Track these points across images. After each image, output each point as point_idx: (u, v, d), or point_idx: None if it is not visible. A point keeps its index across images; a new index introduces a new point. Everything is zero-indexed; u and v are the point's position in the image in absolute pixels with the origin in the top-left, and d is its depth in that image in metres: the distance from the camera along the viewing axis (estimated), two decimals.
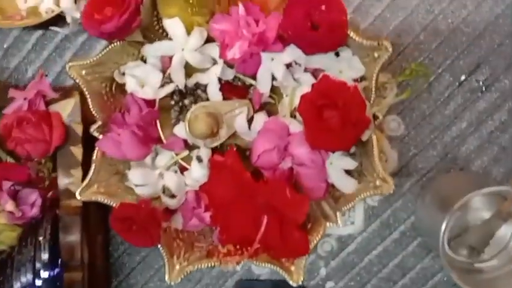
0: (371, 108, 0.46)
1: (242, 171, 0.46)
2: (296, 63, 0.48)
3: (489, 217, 0.47)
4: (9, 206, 0.53)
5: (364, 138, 0.46)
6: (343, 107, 0.43)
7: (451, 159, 0.53)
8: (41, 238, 0.47)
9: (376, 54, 0.44)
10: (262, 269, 0.57)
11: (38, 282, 0.45)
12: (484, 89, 0.52)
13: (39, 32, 0.57)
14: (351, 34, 0.44)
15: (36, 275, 0.45)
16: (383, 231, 0.55)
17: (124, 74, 0.50)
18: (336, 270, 0.56)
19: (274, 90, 0.50)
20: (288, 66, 0.48)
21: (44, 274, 0.46)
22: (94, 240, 0.56)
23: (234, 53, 0.46)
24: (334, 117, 0.44)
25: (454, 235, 0.50)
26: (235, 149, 0.48)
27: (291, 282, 0.47)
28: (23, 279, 0.45)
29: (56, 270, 0.52)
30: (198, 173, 0.50)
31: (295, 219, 0.46)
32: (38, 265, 0.46)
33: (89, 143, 0.50)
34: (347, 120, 0.43)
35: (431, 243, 0.52)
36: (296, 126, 0.48)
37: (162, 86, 0.49)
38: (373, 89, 0.45)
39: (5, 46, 0.57)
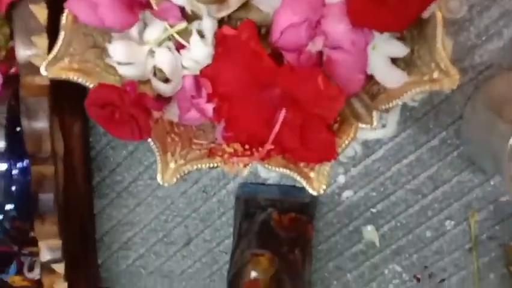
0: None
1: (260, 51, 0.35)
2: None
3: None
4: None
5: (425, 14, 0.34)
6: None
7: None
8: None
9: None
10: (270, 172, 0.49)
11: None
12: None
13: None
14: None
15: None
16: (420, 137, 0.46)
17: None
18: (357, 179, 0.48)
19: None
20: None
21: (1, 166, 0.37)
22: (70, 129, 0.47)
23: None
24: None
25: None
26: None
27: (310, 191, 0.38)
28: None
29: (26, 162, 0.44)
30: (198, 52, 0.38)
31: (325, 116, 0.36)
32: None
33: (57, 2, 0.38)
34: None
35: (477, 153, 0.43)
36: None
37: None
38: None
39: None
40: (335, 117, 0.37)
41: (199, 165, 0.41)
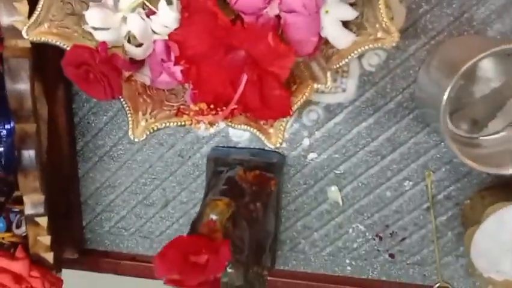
0: None
1: (215, 9, 0.38)
2: None
3: (499, 85, 0.41)
4: None
5: None
6: None
7: (467, 20, 0.45)
8: None
9: None
10: (241, 136, 0.52)
11: None
12: None
13: None
14: None
15: None
16: (378, 100, 0.49)
17: None
18: (321, 141, 0.51)
19: None
20: None
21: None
22: (54, 94, 0.50)
23: None
24: None
25: (456, 108, 0.45)
26: None
27: (268, 145, 0.42)
28: None
29: (13, 123, 0.47)
30: (166, 17, 0.42)
31: (278, 74, 0.39)
32: None
33: None
34: None
35: (430, 115, 0.46)
36: None
37: None
38: None
39: None
40: (288, 76, 0.40)
41: (168, 124, 0.44)
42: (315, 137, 0.51)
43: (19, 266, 0.47)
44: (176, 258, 0.34)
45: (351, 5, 0.41)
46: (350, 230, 0.54)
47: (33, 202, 0.46)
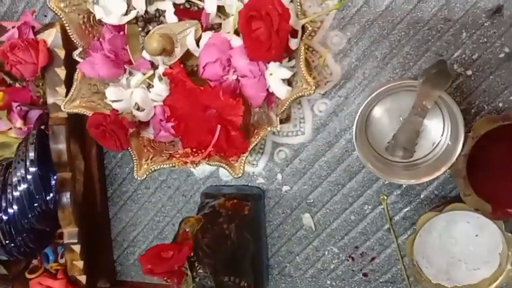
0: (298, 20, 0.51)
1: (184, 78, 0.53)
2: None
3: (407, 116, 0.50)
4: (19, 123, 0.65)
5: (293, 46, 0.51)
6: (265, 18, 0.48)
7: (391, 67, 0.56)
8: (30, 141, 0.58)
9: None
10: (228, 176, 0.65)
11: (29, 176, 0.57)
12: (417, 2, 0.54)
13: None
14: None
15: (27, 170, 0.57)
16: (330, 139, 0.60)
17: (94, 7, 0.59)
18: (291, 176, 0.62)
19: (222, 11, 0.56)
20: None
21: (32, 169, 0.57)
22: (89, 152, 0.67)
23: None
24: (260, 27, 0.50)
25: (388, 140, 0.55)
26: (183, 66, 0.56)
27: (233, 175, 0.54)
28: (18, 173, 0.57)
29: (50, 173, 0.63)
30: (159, 88, 0.58)
31: (233, 120, 0.53)
32: (28, 162, 0.57)
33: (72, 65, 0.60)
34: (271, 29, 0.49)
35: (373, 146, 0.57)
36: (237, 41, 0.54)
37: (126, 14, 0.58)
38: (299, 1, 0.50)
39: None
40: (250, 123, 0.53)
41: (162, 165, 0.58)
42: (286, 172, 0.62)
43: (59, 284, 0.61)
44: (153, 256, 0.46)
45: (291, 68, 0.54)
46: (326, 253, 0.63)
47: (69, 233, 0.61)
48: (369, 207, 0.60)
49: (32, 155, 0.57)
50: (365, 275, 0.62)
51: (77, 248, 0.62)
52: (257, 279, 0.61)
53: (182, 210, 0.68)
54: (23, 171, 0.57)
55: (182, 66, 0.54)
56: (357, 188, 0.60)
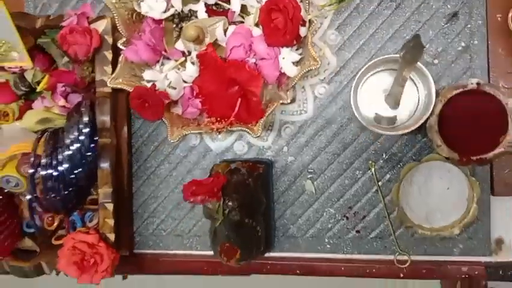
0: (306, 14, 0.66)
1: (215, 55, 0.66)
2: None
3: (391, 86, 0.65)
4: (61, 102, 0.76)
5: (302, 34, 0.66)
6: (283, 10, 0.63)
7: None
8: (83, 109, 0.69)
9: None
10: (242, 150, 0.76)
11: (82, 136, 0.67)
12: (395, 6, 0.71)
13: None
14: None
15: (80, 131, 0.67)
16: (329, 116, 0.73)
17: (139, 5, 0.73)
18: (295, 148, 0.75)
19: (243, 10, 0.71)
20: None
21: (85, 130, 0.67)
22: (120, 131, 0.78)
23: None
24: (279, 18, 0.64)
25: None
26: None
27: (253, 135, 0.66)
28: (71, 136, 0.67)
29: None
30: (190, 70, 0.71)
31: (254, 91, 0.66)
32: (81, 125, 0.68)
33: (117, 51, 0.73)
34: (287, 19, 0.63)
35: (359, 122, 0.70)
36: (257, 32, 0.68)
37: (165, 11, 0.72)
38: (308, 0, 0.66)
39: None
40: (260, 91, 0.66)
41: (192, 130, 0.70)
42: (291, 145, 0.75)
43: (91, 238, 0.69)
44: (194, 183, 0.57)
45: (300, 54, 0.69)
46: (324, 214, 0.74)
47: (104, 193, 0.71)
48: (360, 172, 0.73)
49: (86, 119, 0.68)
50: (357, 232, 0.73)
51: (110, 206, 0.71)
52: (266, 236, 0.71)
53: None
54: (76, 133, 0.67)
55: (212, 45, 0.68)
56: (350, 157, 0.73)
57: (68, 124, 0.69)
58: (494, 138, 0.61)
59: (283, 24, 0.64)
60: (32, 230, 0.80)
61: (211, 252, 0.71)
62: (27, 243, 0.81)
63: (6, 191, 0.78)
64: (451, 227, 0.64)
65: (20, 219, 0.81)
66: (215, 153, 0.78)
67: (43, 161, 0.67)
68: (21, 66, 0.76)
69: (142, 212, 0.80)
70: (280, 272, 0.76)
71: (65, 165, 0.67)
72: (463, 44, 0.69)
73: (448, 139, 0.62)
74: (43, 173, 0.67)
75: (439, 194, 0.67)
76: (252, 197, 0.65)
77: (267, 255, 0.75)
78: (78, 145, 0.67)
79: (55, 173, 0.67)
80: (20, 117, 0.77)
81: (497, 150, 0.61)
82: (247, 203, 0.63)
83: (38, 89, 0.76)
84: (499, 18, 0.68)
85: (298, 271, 0.75)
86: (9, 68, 0.77)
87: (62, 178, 0.68)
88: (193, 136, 0.78)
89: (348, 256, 0.74)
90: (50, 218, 0.80)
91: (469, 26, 0.69)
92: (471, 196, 0.63)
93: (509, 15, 0.68)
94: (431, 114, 0.62)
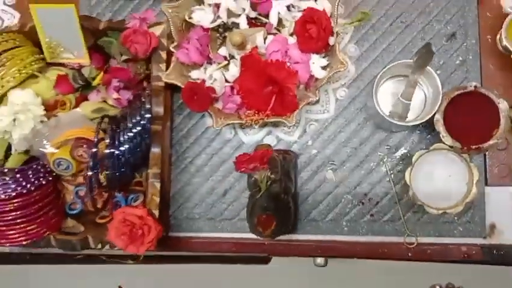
0: (335, 27, 0.80)
1: (259, 60, 0.79)
2: (293, 6, 0.83)
3: (404, 88, 0.78)
4: (115, 95, 0.86)
5: (331, 42, 0.79)
6: (317, 21, 0.77)
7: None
8: (143, 99, 0.80)
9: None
10: (271, 143, 0.88)
11: (143, 121, 0.77)
12: (404, 26, 0.86)
13: None
14: None
15: (142, 116, 0.78)
16: (348, 116, 0.86)
17: (190, 17, 0.86)
18: (318, 142, 0.86)
19: (279, 24, 0.84)
20: (288, 8, 0.83)
21: (147, 115, 0.78)
22: (164, 125, 0.88)
23: None
24: (312, 28, 0.78)
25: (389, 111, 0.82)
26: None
27: (288, 124, 0.78)
28: (134, 120, 0.77)
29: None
30: (233, 71, 0.83)
31: (291, 87, 0.78)
32: (143, 112, 0.78)
33: (169, 52, 0.84)
34: (320, 28, 0.77)
35: (375, 120, 0.83)
36: (292, 40, 0.81)
37: (213, 22, 0.85)
38: (336, 15, 0.80)
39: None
40: (295, 87, 0.78)
41: (233, 120, 0.81)
42: (315, 140, 0.86)
43: (140, 211, 0.78)
44: (245, 156, 0.67)
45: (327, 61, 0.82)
46: (342, 200, 0.85)
47: (154, 173, 0.80)
48: (374, 164, 0.85)
49: (148, 106, 0.78)
50: (371, 215, 0.84)
51: (157, 185, 0.80)
52: (293, 217, 0.81)
53: (233, 172, 0.88)
54: (138, 117, 0.78)
55: (255, 49, 0.81)
56: (366, 151, 0.85)
57: (131, 110, 0.80)
58: (488, 131, 0.75)
59: (317, 34, 0.78)
60: (74, 212, 0.88)
61: (240, 235, 0.81)
62: (70, 223, 0.89)
63: (54, 174, 0.86)
64: (455, 206, 0.75)
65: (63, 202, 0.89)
66: (247, 146, 0.88)
67: (107, 141, 0.77)
68: (79, 63, 0.87)
69: (178, 198, 0.89)
70: (303, 253, 0.86)
71: (126, 146, 0.77)
72: (460, 59, 0.84)
73: (451, 131, 0.75)
74: (107, 151, 0.76)
75: (442, 181, 0.78)
76: (287, 176, 0.76)
77: (291, 236, 0.85)
78: (139, 128, 0.77)
79: (117, 152, 0.76)
80: (76, 107, 0.87)
81: (491, 141, 0.74)
82: (284, 181, 0.74)
83: (93, 83, 0.87)
84: (489, 39, 0.84)
85: (319, 251, 0.85)
86: (68, 63, 0.88)
87: (122, 157, 0.77)
88: (228, 130, 0.89)
89: (363, 238, 0.84)
90: (92, 201, 0.88)
91: (465, 44, 0.84)
92: (471, 180, 0.76)
93: (497, 37, 0.83)
94: (438, 110, 0.75)
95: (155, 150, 0.81)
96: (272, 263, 1.02)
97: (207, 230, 0.88)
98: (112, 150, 0.76)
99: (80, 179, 0.89)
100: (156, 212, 0.80)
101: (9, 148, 0.88)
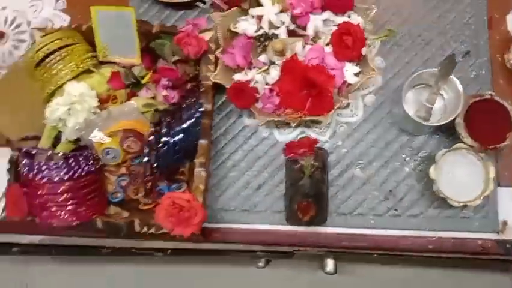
0: (367, 38, 0.90)
1: (300, 64, 0.88)
2: (329, 20, 0.93)
3: (428, 95, 0.88)
4: (164, 93, 0.94)
5: (363, 52, 0.89)
6: (353, 33, 0.87)
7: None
8: (196, 94, 0.87)
9: (368, 13, 0.90)
10: None
11: (197, 114, 0.85)
12: (424, 44, 0.97)
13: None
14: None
15: (196, 110, 0.85)
16: (375, 120, 0.95)
17: (235, 27, 0.95)
18: (348, 142, 0.95)
19: (315, 35, 0.94)
20: (324, 21, 0.93)
21: (201, 109, 0.85)
22: (209, 122, 0.95)
23: (297, 10, 0.92)
24: (348, 39, 0.88)
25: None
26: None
27: (324, 121, 0.87)
28: (188, 112, 0.85)
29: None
30: (274, 74, 0.92)
31: (329, 89, 0.87)
32: (197, 106, 0.85)
33: (216, 56, 0.93)
34: (355, 40, 0.87)
35: (399, 125, 0.92)
36: (328, 49, 0.91)
37: (256, 31, 0.94)
38: (368, 28, 0.90)
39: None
40: (332, 90, 0.87)
41: (274, 118, 0.89)
42: (344, 140, 0.95)
43: (188, 196, 0.84)
44: (294, 143, 0.75)
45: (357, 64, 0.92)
46: (370, 196, 0.92)
47: (200, 162, 0.87)
48: (398, 163, 0.93)
49: (201, 100, 0.86)
50: (395, 210, 0.91)
51: (203, 173, 0.87)
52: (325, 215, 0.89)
53: (267, 168, 0.95)
54: (193, 110, 0.85)
55: (296, 55, 0.90)
56: (391, 151, 0.94)
57: (185, 104, 0.87)
58: (502, 134, 0.84)
59: (352, 44, 0.88)
60: (116, 200, 0.93)
61: (273, 226, 0.88)
62: (111, 211, 0.93)
63: (101, 163, 0.92)
64: (474, 199, 0.84)
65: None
66: (281, 145, 0.96)
67: (163, 130, 0.83)
68: (131, 63, 0.95)
69: (214, 190, 0.96)
70: (330, 245, 0.92)
71: (180, 136, 0.84)
72: (474, 73, 0.95)
73: (470, 133, 0.85)
74: (163, 139, 0.83)
75: (462, 176, 0.87)
76: (323, 168, 0.84)
77: (320, 229, 0.91)
78: (193, 120, 0.85)
79: (171, 140, 0.83)
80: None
81: (505, 143, 0.84)
82: (323, 171, 0.81)
83: (142, 82, 0.95)
84: (499, 58, 0.95)
85: (346, 243, 0.91)
86: (120, 62, 0.95)
87: (177, 146, 0.84)
88: (264, 130, 0.97)
89: (388, 231, 0.91)
90: (135, 190, 0.94)
91: (478, 61, 0.95)
92: (487, 177, 0.85)
93: (505, 56, 0.95)
94: (458, 114, 0.85)
95: (202, 141, 0.88)
96: (279, 268, 1.08)
97: (242, 221, 0.94)
98: (168, 138, 0.83)
99: (123, 170, 0.95)
100: (200, 199, 0.86)
101: (56, 138, 0.94)
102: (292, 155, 0.77)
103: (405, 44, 0.98)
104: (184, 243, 1.04)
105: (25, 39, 1.05)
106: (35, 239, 1.07)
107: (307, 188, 0.79)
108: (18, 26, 1.05)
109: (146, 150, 0.84)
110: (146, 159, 0.83)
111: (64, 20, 1.06)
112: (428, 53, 0.97)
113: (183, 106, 0.87)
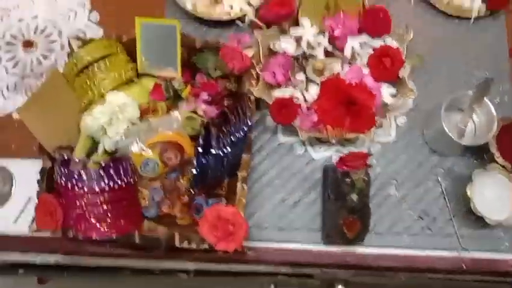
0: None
1: (342, 81, 0.91)
2: (365, 43, 0.97)
3: (461, 117, 0.92)
4: (203, 107, 0.94)
5: (400, 74, 0.93)
6: (392, 55, 0.91)
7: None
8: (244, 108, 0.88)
9: (404, 38, 0.95)
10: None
11: (245, 127, 0.85)
12: (450, 71, 1.02)
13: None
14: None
15: (245, 123, 0.85)
16: (407, 141, 0.98)
17: (274, 45, 0.97)
18: (382, 162, 0.97)
19: (352, 57, 0.98)
20: (361, 44, 0.97)
21: (249, 123, 0.85)
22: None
23: (336, 33, 0.95)
24: (387, 60, 0.92)
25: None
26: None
27: (367, 139, 0.88)
28: (237, 125, 0.84)
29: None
30: (313, 91, 0.94)
31: (371, 106, 0.89)
32: (246, 120, 0.85)
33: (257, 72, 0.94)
34: (394, 61, 0.91)
35: (435, 146, 0.96)
36: (366, 70, 0.95)
37: (295, 51, 0.97)
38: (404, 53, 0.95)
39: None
40: (373, 107, 0.89)
41: (315, 134, 0.90)
42: (378, 159, 0.97)
43: (232, 210, 0.82)
44: (348, 156, 0.76)
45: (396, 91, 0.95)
46: (405, 215, 0.94)
47: (243, 176, 0.86)
48: (431, 183, 0.96)
49: (249, 114, 0.86)
50: (429, 229, 0.93)
51: (245, 187, 0.86)
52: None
53: (302, 185, 0.96)
54: (241, 124, 0.85)
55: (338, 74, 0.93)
56: (424, 171, 0.96)
57: (232, 118, 0.87)
58: None
59: (390, 65, 0.92)
60: (149, 215, 0.90)
61: (306, 246, 0.88)
62: (145, 226, 0.90)
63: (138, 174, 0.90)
64: (509, 218, 0.87)
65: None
66: (317, 162, 0.97)
67: (213, 143, 0.82)
68: (171, 76, 0.95)
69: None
70: (366, 265, 0.92)
71: (228, 149, 0.83)
72: (498, 100, 1.01)
73: (503, 152, 0.89)
74: (213, 152, 0.82)
75: (492, 199, 0.90)
76: (369, 183, 0.85)
77: (357, 249, 0.91)
78: (242, 134, 0.84)
79: (221, 153, 0.82)
80: None
81: None
82: (368, 186, 0.83)
83: (182, 95, 0.94)
84: None
85: (385, 262, 0.92)
86: (160, 75, 0.95)
87: (225, 158, 0.83)
88: (299, 147, 0.98)
89: (423, 252, 0.92)
90: (170, 204, 0.91)
91: (500, 88, 1.01)
92: None
93: None
94: (492, 135, 0.89)
95: (245, 155, 0.87)
96: None
97: (276, 239, 0.93)
98: (218, 151, 0.82)
99: (157, 183, 0.93)
100: (242, 213, 0.85)
101: (90, 148, 0.92)
102: (344, 167, 0.78)
103: (433, 70, 1.03)
104: (207, 264, 1.01)
105: (54, 48, 1.03)
106: (50, 258, 1.01)
107: (355, 203, 0.80)
108: (48, 35, 1.04)
109: (195, 161, 0.82)
110: (195, 171, 0.82)
111: (96, 31, 1.05)
112: (454, 80, 1.02)
113: (231, 119, 0.87)
